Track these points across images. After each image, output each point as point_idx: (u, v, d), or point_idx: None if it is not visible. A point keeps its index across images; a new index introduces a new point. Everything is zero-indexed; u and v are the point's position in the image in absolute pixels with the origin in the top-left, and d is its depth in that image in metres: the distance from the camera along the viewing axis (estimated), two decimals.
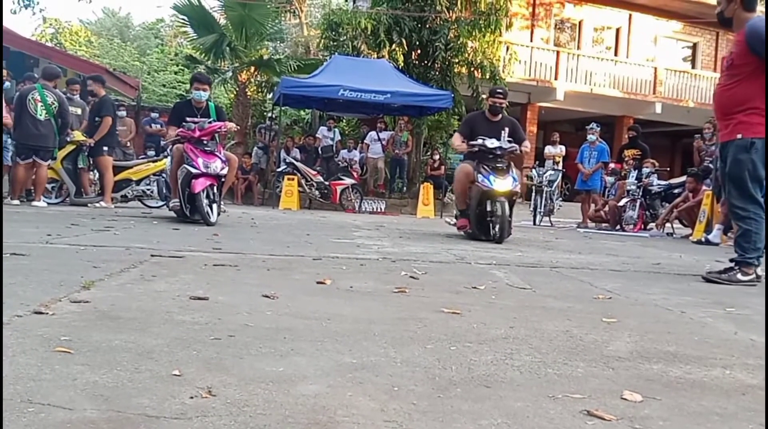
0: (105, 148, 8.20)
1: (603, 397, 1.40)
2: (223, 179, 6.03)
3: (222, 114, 6.47)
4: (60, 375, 1.34)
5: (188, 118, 6.01)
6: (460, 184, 6.10)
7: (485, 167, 5.81)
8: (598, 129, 11.10)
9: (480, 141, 5.85)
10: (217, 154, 5.94)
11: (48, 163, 7.66)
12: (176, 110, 6.46)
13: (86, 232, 4.60)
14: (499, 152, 5.84)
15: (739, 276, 3.62)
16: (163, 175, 8.02)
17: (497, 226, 5.63)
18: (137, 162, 8.87)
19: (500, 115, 6.26)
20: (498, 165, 5.82)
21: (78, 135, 8.16)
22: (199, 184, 5.72)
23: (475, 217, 5.88)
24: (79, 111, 8.94)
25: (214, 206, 5.92)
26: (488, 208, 5.73)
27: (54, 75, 7.97)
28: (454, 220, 6.66)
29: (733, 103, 3.65)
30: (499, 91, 6.29)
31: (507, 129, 6.07)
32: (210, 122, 5.99)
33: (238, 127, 6.36)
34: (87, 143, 8.19)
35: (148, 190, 8.56)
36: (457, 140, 6.24)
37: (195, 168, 5.76)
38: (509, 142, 5.95)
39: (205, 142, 5.89)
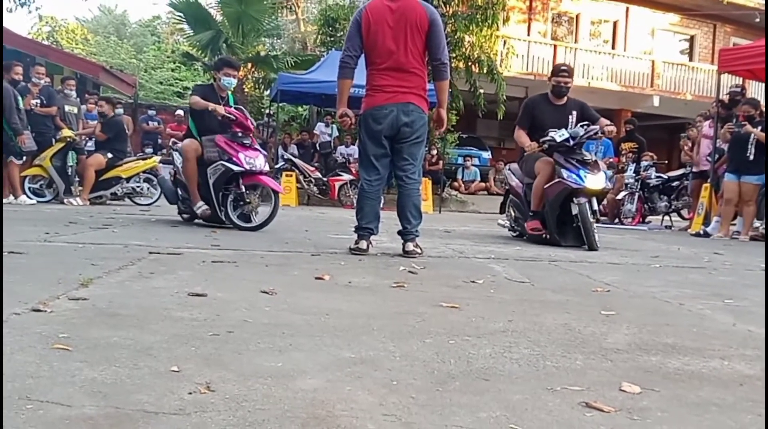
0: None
1: (601, 389, 1.40)
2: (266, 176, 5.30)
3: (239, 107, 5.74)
4: (58, 372, 1.34)
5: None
6: (544, 180, 5.08)
7: (571, 161, 4.97)
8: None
9: (549, 136, 5.00)
10: (257, 147, 5.28)
11: (10, 158, 7.34)
12: (200, 89, 5.65)
13: (84, 230, 4.60)
14: (571, 143, 4.98)
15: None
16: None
17: (586, 231, 4.82)
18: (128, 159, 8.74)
19: (565, 98, 5.30)
20: (585, 157, 5.01)
21: (66, 132, 8.09)
22: (248, 182, 5.12)
23: (554, 221, 5.02)
24: (75, 110, 8.89)
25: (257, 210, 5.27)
26: (573, 211, 4.91)
27: (6, 66, 7.62)
28: (507, 222, 5.94)
29: None
30: (563, 68, 5.35)
31: (575, 113, 5.20)
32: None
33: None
34: (75, 139, 8.17)
35: (138, 187, 8.51)
36: (522, 137, 5.22)
37: (237, 165, 5.03)
38: (583, 126, 5.05)
39: (240, 134, 5.19)
